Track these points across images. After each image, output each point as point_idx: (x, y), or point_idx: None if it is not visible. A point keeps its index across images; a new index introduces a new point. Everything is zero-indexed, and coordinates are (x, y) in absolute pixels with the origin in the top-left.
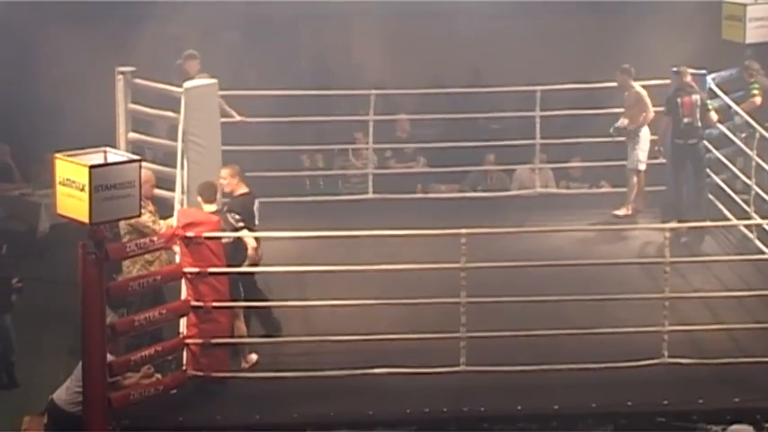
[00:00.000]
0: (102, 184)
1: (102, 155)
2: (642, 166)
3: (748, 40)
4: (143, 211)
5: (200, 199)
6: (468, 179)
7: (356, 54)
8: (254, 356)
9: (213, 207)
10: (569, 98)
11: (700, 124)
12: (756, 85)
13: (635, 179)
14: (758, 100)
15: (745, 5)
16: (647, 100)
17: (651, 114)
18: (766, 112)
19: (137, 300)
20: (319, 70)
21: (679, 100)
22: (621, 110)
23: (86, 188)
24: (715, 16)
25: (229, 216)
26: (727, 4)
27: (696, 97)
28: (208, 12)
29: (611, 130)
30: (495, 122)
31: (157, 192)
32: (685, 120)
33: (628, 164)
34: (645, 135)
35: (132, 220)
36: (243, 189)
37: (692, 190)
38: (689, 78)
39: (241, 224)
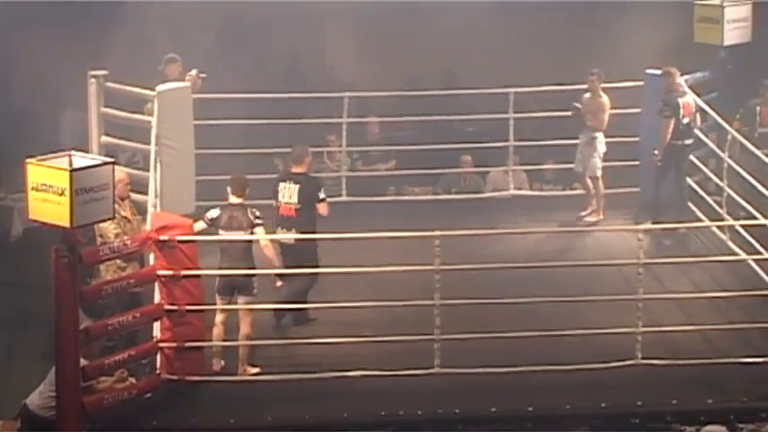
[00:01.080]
0: (81, 187)
1: (67, 159)
2: (599, 172)
3: (726, 42)
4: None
5: (229, 188)
6: (441, 181)
7: (330, 56)
8: (254, 369)
9: (239, 200)
10: (543, 100)
11: (694, 125)
12: (667, 109)
13: (599, 184)
14: (670, 125)
15: (722, 7)
16: (608, 111)
17: (604, 125)
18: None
19: (111, 303)
20: (293, 72)
21: (680, 101)
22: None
23: (67, 192)
24: (688, 18)
25: (249, 211)
26: (700, 7)
27: (692, 97)
28: (181, 14)
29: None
30: (470, 124)
31: (131, 195)
32: (684, 120)
33: (587, 171)
34: (602, 140)
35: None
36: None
37: (672, 192)
38: (678, 79)
39: (259, 221)
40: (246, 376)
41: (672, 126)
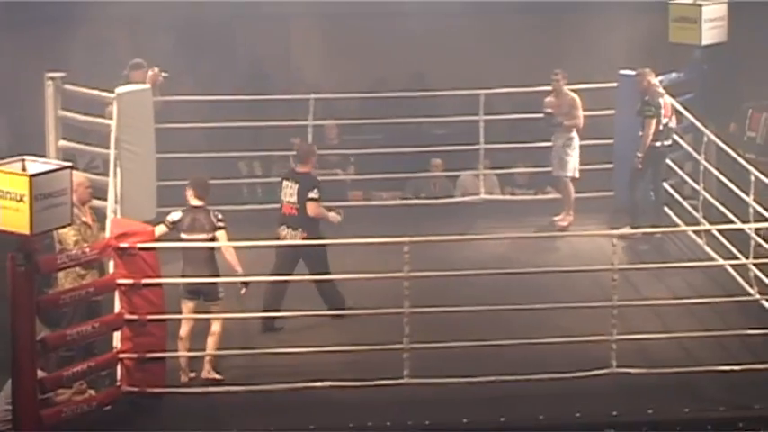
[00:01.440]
0: (40, 193)
1: (20, 164)
2: (577, 173)
3: (704, 42)
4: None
5: (190, 192)
6: (410, 186)
7: (295, 57)
8: (218, 375)
9: (200, 203)
10: (514, 102)
11: (672, 126)
12: (651, 109)
13: (571, 186)
14: (653, 125)
15: (700, 6)
16: (580, 107)
17: (581, 122)
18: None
19: (70, 313)
20: (257, 74)
21: (661, 101)
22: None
23: (26, 198)
24: (660, 18)
25: (212, 214)
26: (676, 6)
27: (669, 98)
28: (141, 15)
29: (544, 120)
30: (439, 127)
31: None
32: (664, 121)
33: (563, 172)
34: (577, 141)
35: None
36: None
37: (648, 194)
38: (653, 79)
39: (221, 224)
40: (209, 387)
41: (654, 127)
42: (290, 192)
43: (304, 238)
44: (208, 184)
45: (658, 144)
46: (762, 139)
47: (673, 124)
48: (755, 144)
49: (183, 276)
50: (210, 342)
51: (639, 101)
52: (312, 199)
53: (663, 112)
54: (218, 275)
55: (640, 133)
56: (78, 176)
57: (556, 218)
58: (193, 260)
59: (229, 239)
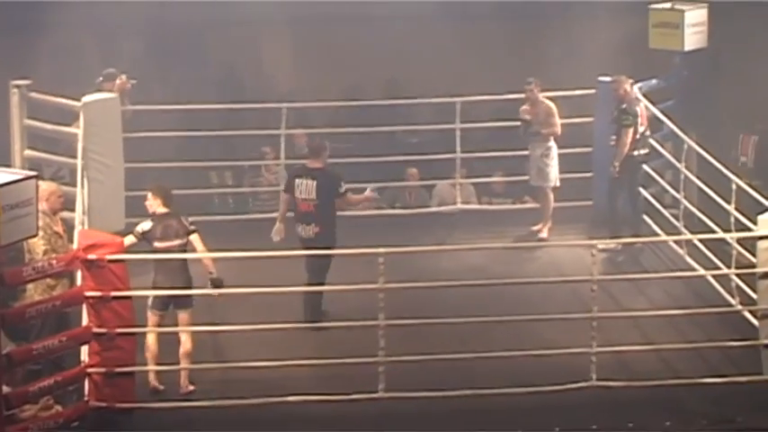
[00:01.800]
0: (7, 203)
1: None
2: (558, 182)
3: (687, 48)
4: (41, 233)
5: (158, 201)
6: (385, 195)
7: (267, 64)
8: (192, 387)
9: (168, 210)
10: (491, 109)
11: (648, 134)
12: (629, 117)
13: (551, 196)
14: (630, 134)
15: (683, 11)
16: (557, 115)
17: (559, 129)
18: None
19: (38, 325)
20: (228, 82)
21: (638, 109)
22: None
23: (33, 201)
24: (639, 24)
25: (183, 219)
26: (657, 12)
27: (644, 105)
28: (108, 20)
29: (520, 129)
30: (414, 135)
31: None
32: (641, 129)
33: (542, 182)
34: (555, 150)
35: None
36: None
37: (626, 204)
38: (629, 87)
39: (193, 227)
40: (181, 402)
41: (631, 136)
42: (305, 189)
43: (317, 234)
44: (171, 190)
45: (635, 153)
46: (751, 162)
47: (648, 132)
48: (747, 168)
49: (155, 286)
50: (185, 354)
51: (616, 109)
52: (345, 192)
53: (640, 120)
54: (191, 281)
55: (612, 142)
56: (51, 185)
57: (535, 227)
58: (167, 268)
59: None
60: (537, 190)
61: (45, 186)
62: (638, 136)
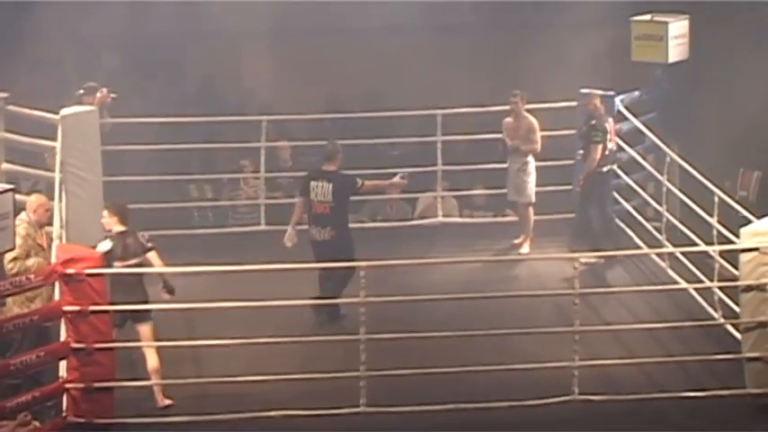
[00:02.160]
0: None
1: None
2: (533, 198)
3: (671, 60)
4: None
5: (114, 219)
6: (366, 208)
7: (247, 77)
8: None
9: (125, 227)
10: (473, 122)
11: (615, 149)
12: (598, 134)
13: (531, 211)
14: (599, 150)
15: (667, 23)
16: (538, 131)
17: (539, 146)
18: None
19: (18, 338)
20: (207, 94)
21: (607, 125)
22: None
23: (10, 214)
24: (620, 36)
25: (140, 236)
26: (639, 24)
27: (611, 120)
28: (86, 33)
29: (500, 151)
30: (395, 148)
31: None
32: (609, 145)
33: (519, 197)
34: (533, 165)
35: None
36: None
37: (599, 217)
38: (599, 102)
39: (150, 244)
40: (160, 417)
41: (600, 152)
42: (321, 191)
43: (333, 236)
44: (127, 207)
45: (605, 169)
46: (753, 196)
47: (615, 147)
48: (747, 202)
49: (111, 303)
50: (154, 370)
51: (585, 124)
52: (362, 186)
53: (609, 136)
54: (148, 296)
55: (579, 156)
56: (40, 197)
57: (516, 241)
58: (124, 284)
59: (169, 264)
60: (516, 204)
61: (34, 198)
62: (606, 152)
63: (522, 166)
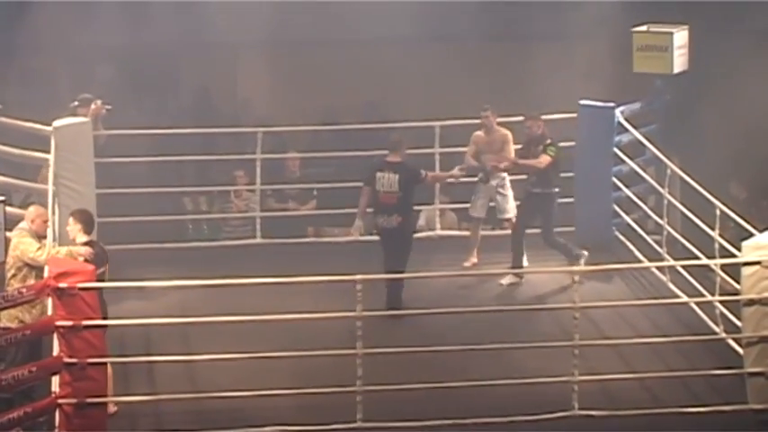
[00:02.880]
0: None
1: None
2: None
3: (675, 70)
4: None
5: (78, 227)
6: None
7: (242, 88)
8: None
9: (90, 237)
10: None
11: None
12: (553, 148)
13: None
14: (548, 161)
15: (672, 33)
16: (511, 142)
17: (512, 156)
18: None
19: (12, 353)
20: (202, 106)
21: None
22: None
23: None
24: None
25: (100, 245)
26: (641, 35)
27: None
28: (80, 44)
29: (481, 178)
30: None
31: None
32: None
33: (504, 214)
34: (508, 180)
35: (26, 257)
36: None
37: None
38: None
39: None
40: None
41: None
42: (387, 182)
43: (399, 223)
44: (93, 217)
45: (555, 190)
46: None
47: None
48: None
49: None
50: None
51: (532, 144)
52: (425, 178)
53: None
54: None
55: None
56: (39, 208)
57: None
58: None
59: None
60: (479, 221)
61: (32, 209)
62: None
63: (500, 182)
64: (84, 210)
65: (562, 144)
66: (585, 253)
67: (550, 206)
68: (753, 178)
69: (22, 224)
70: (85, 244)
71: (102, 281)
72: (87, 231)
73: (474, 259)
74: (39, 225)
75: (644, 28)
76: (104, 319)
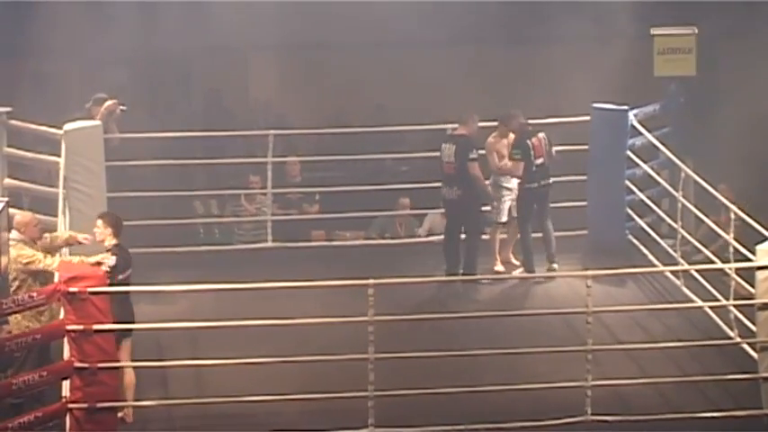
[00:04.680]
0: None
1: None
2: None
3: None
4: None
5: (108, 230)
6: (374, 225)
7: (253, 91)
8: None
9: (115, 242)
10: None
11: (549, 163)
12: (517, 151)
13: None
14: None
15: (695, 35)
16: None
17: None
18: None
19: (21, 357)
20: (214, 108)
21: (529, 142)
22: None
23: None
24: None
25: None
26: (663, 38)
27: (543, 135)
28: (93, 47)
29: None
30: (404, 163)
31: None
32: (537, 161)
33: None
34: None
35: (33, 267)
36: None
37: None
38: (522, 120)
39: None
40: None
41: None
42: (448, 153)
43: (459, 196)
44: (122, 220)
45: (534, 185)
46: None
47: (550, 161)
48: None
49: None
50: (132, 384)
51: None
52: (473, 159)
53: (533, 153)
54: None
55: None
56: (25, 215)
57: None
58: (121, 298)
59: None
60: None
61: (19, 217)
62: (533, 168)
63: (514, 185)
64: (113, 213)
65: (575, 147)
66: (555, 266)
67: (535, 201)
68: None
69: (13, 234)
70: (113, 247)
71: (128, 284)
72: (117, 235)
73: (514, 261)
74: (30, 231)
75: (665, 31)
76: (131, 323)
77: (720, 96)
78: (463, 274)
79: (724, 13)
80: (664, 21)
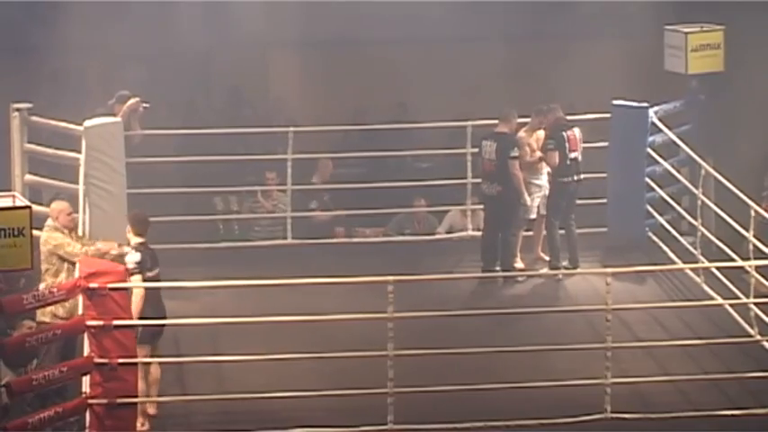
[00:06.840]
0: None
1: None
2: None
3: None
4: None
5: (136, 229)
6: (394, 222)
7: (274, 88)
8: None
9: (139, 240)
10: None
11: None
12: (552, 141)
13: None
14: (555, 156)
15: (723, 30)
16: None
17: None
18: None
19: (42, 351)
20: (234, 105)
21: (564, 134)
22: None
23: (26, 232)
24: (654, 46)
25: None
26: (696, 35)
27: (577, 130)
28: (112, 43)
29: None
30: (424, 160)
31: None
32: (572, 155)
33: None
34: None
35: (60, 251)
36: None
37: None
38: (560, 113)
39: None
40: None
41: (558, 161)
42: (488, 150)
43: (499, 192)
44: (147, 219)
45: (566, 179)
46: None
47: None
48: None
49: (143, 317)
50: (156, 381)
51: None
52: (513, 157)
53: (569, 146)
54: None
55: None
56: (60, 203)
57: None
58: (155, 299)
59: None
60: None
61: (54, 205)
62: (567, 162)
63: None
64: (139, 212)
65: (595, 145)
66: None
67: (565, 196)
68: None
69: (49, 222)
70: (138, 245)
71: (158, 281)
72: (138, 233)
73: (545, 257)
74: (63, 219)
75: (695, 28)
76: (162, 319)
77: (741, 94)
78: (501, 270)
79: (747, 12)
80: (683, 18)
